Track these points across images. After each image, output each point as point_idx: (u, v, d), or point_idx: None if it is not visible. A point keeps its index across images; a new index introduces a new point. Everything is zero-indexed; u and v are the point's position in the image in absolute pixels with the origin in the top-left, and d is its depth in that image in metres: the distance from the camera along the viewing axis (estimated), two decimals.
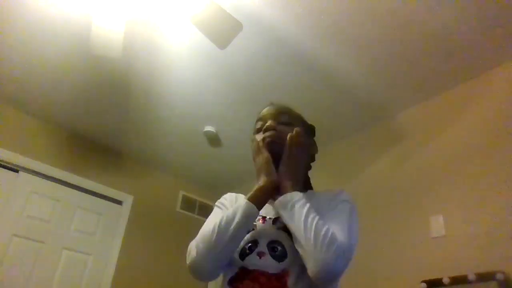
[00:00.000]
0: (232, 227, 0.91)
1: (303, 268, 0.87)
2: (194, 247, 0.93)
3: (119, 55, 1.99)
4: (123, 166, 3.48)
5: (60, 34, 2.26)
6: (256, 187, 0.99)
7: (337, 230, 0.87)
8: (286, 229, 0.93)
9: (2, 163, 2.83)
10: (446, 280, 1.90)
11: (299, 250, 0.87)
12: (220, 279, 0.99)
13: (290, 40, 2.16)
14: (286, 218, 0.92)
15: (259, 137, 1.09)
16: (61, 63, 2.49)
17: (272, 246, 0.94)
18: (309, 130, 1.18)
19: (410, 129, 2.53)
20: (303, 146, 1.07)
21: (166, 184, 3.73)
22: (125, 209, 3.36)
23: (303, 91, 2.53)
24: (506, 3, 1.82)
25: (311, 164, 1.19)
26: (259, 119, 1.15)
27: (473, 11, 1.88)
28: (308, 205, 0.91)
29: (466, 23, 1.95)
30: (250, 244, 0.96)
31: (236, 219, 0.92)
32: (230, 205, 1.08)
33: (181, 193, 3.78)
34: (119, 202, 3.36)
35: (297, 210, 0.90)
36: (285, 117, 1.12)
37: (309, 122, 1.21)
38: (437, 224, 2.10)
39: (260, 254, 0.94)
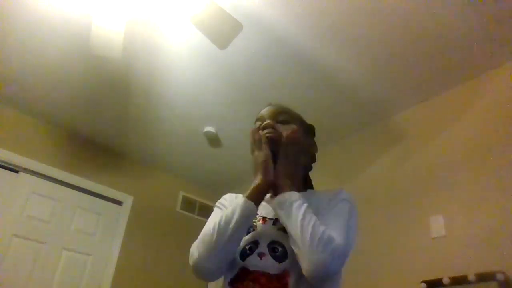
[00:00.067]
0: (231, 225, 0.91)
1: None
2: (195, 248, 0.93)
3: (119, 55, 1.98)
4: (123, 166, 3.48)
5: (60, 34, 2.26)
6: (253, 185, 0.99)
7: (334, 231, 0.87)
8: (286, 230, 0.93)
9: (2, 163, 2.83)
10: (446, 280, 1.90)
11: (295, 249, 0.88)
12: (220, 279, 0.99)
13: (290, 40, 2.16)
14: (282, 217, 0.93)
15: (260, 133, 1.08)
16: (61, 63, 2.49)
17: (273, 246, 0.95)
18: (309, 130, 1.18)
19: (410, 129, 2.53)
20: (299, 144, 1.08)
21: (166, 184, 3.73)
22: (125, 209, 3.36)
23: (303, 91, 2.53)
24: (506, 3, 1.82)
25: (312, 164, 1.19)
26: (257, 119, 1.15)
27: (473, 11, 1.88)
28: (305, 205, 0.91)
29: (466, 23, 1.95)
30: (250, 245, 0.97)
31: (235, 218, 0.92)
32: (229, 205, 1.08)
33: (181, 193, 3.78)
34: (119, 203, 3.36)
35: (294, 210, 0.90)
36: (283, 116, 1.12)
37: (309, 122, 1.21)
38: (437, 224, 2.10)
39: (261, 255, 0.94)
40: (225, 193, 1.16)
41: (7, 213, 2.76)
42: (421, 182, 2.29)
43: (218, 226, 0.92)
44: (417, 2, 1.88)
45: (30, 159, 2.94)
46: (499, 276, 1.72)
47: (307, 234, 0.84)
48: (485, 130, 2.11)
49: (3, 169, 2.84)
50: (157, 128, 3.09)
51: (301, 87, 2.51)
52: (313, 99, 2.58)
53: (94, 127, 3.15)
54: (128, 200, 3.40)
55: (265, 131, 1.07)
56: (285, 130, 1.07)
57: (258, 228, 1.01)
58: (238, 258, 0.96)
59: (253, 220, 1.02)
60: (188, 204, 3.77)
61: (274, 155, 1.03)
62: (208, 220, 1.02)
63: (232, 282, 0.94)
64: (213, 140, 3.15)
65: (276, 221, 1.00)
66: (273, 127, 1.07)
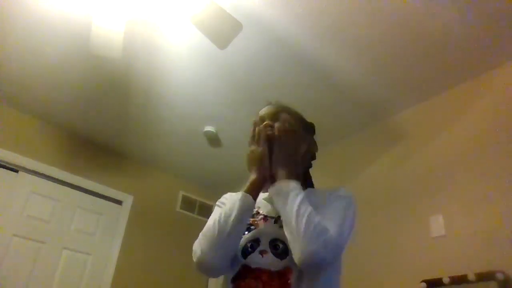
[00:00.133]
0: (231, 220, 0.93)
1: None
2: (198, 246, 0.95)
3: (119, 55, 1.99)
4: (123, 166, 3.48)
5: (60, 34, 2.26)
6: (249, 181, 1.02)
7: (329, 223, 0.89)
8: None
9: (2, 163, 2.84)
10: (446, 280, 1.90)
11: (288, 236, 0.89)
12: (221, 278, 1.00)
13: (290, 40, 2.16)
14: (279, 204, 0.94)
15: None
16: (61, 63, 2.49)
17: (274, 244, 0.96)
18: (308, 128, 1.19)
19: (410, 129, 2.53)
20: (292, 133, 1.08)
21: (166, 184, 3.73)
22: (125, 209, 3.36)
23: (303, 91, 2.53)
24: (506, 3, 1.82)
25: (312, 162, 1.19)
26: (257, 120, 1.15)
27: (472, 11, 1.88)
28: (302, 194, 0.92)
29: (465, 23, 1.95)
30: (252, 243, 0.98)
31: (234, 212, 0.94)
32: (228, 203, 1.09)
33: (181, 193, 3.78)
34: (119, 202, 3.36)
35: (290, 198, 0.91)
36: (283, 115, 1.13)
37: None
38: (437, 224, 2.10)
39: (262, 252, 0.95)
40: (225, 193, 1.17)
41: (7, 213, 2.76)
42: (421, 182, 2.29)
43: (219, 222, 0.94)
44: (417, 2, 1.88)
45: (30, 159, 2.94)
46: (499, 276, 1.72)
47: (302, 223, 0.85)
48: (485, 130, 2.12)
49: (3, 169, 2.84)
50: (157, 128, 3.09)
51: (301, 87, 2.51)
52: (313, 99, 2.58)
53: (94, 127, 3.15)
54: (128, 200, 3.40)
55: (266, 129, 1.08)
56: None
57: (260, 226, 1.02)
58: (240, 256, 0.97)
59: (255, 219, 1.03)
60: (188, 204, 3.78)
61: (271, 154, 1.04)
62: (209, 219, 1.03)
63: (234, 280, 0.95)
64: (213, 140, 3.15)
65: (277, 219, 1.00)
66: (272, 127, 1.08)
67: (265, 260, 0.94)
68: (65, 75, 2.59)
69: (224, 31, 1.86)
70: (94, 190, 3.23)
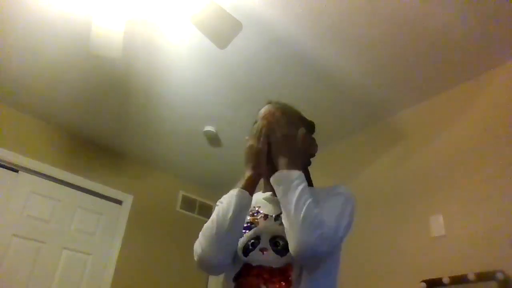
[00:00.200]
0: (229, 216, 0.94)
1: None
2: (198, 244, 0.96)
3: (119, 55, 1.99)
4: (123, 166, 3.48)
5: (60, 34, 2.26)
6: (245, 177, 1.03)
7: (327, 217, 0.89)
8: None
9: (2, 163, 2.84)
10: (446, 280, 1.90)
11: (285, 224, 0.90)
12: (221, 276, 1.01)
13: (290, 40, 2.16)
14: (279, 193, 0.95)
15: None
16: (61, 63, 2.49)
17: (274, 241, 0.96)
18: (308, 126, 1.19)
19: (410, 129, 2.53)
20: (282, 120, 1.08)
21: (166, 184, 3.73)
22: (125, 209, 3.36)
23: (303, 91, 2.53)
24: (506, 3, 1.82)
25: (311, 160, 1.19)
26: (257, 119, 1.15)
27: (472, 11, 1.88)
28: (303, 184, 0.93)
29: (465, 23, 1.95)
30: (253, 241, 0.99)
31: (232, 208, 0.95)
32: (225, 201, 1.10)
33: (181, 193, 3.78)
34: (119, 202, 3.36)
35: (292, 187, 0.92)
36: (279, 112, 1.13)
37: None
38: (437, 224, 2.10)
39: (263, 250, 0.96)
40: (225, 193, 1.17)
41: (7, 213, 2.76)
42: (421, 182, 2.29)
43: (217, 219, 0.95)
44: (417, 2, 1.88)
45: (30, 159, 2.94)
46: (499, 276, 1.72)
47: (300, 214, 0.86)
48: (485, 130, 2.12)
49: (3, 169, 2.84)
50: (157, 128, 3.09)
51: (301, 87, 2.51)
52: (313, 99, 2.58)
53: (94, 127, 3.15)
54: (128, 200, 3.40)
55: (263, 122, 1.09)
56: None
57: (260, 224, 1.02)
58: (241, 254, 0.97)
59: (255, 217, 1.03)
60: (188, 204, 3.78)
61: (270, 152, 1.05)
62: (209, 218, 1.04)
63: (235, 278, 0.96)
64: (213, 140, 3.15)
65: (277, 217, 1.01)
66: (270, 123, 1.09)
67: (266, 258, 0.94)
68: (65, 75, 2.59)
69: (224, 31, 1.86)
70: (94, 190, 3.23)
